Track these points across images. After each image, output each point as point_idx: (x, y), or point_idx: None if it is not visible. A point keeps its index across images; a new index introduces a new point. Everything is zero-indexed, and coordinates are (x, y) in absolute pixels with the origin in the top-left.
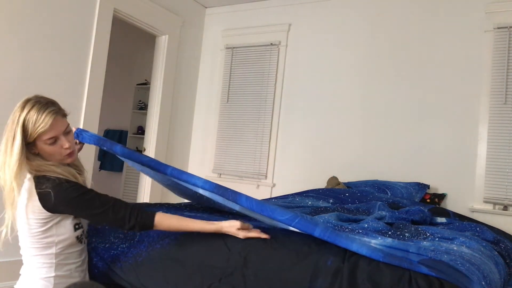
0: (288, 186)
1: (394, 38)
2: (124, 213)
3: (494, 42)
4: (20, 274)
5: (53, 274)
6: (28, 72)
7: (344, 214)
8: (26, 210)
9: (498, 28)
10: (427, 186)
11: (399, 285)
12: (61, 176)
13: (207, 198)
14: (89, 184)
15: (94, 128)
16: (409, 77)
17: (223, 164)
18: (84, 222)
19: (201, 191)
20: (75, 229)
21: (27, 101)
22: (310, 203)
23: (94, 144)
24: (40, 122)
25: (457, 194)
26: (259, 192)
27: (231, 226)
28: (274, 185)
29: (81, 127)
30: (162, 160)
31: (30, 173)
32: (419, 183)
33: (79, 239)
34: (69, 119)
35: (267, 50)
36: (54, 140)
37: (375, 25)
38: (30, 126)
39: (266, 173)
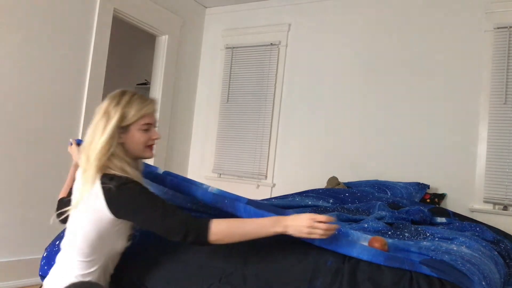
0: (288, 186)
1: (394, 38)
2: (179, 223)
3: (494, 42)
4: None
5: (88, 278)
6: (28, 72)
7: (344, 214)
8: (88, 210)
9: (498, 28)
10: (427, 186)
11: (399, 285)
12: (128, 176)
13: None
14: None
15: None
16: (409, 77)
17: (223, 164)
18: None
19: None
20: (128, 240)
21: (124, 90)
22: (310, 203)
23: None
24: (145, 105)
25: (457, 194)
26: (259, 192)
27: (299, 226)
28: (274, 185)
29: (81, 127)
30: (162, 160)
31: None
32: (419, 183)
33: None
34: (68, 119)
35: (267, 50)
36: (148, 127)
37: (375, 25)
38: (133, 107)
39: (266, 173)
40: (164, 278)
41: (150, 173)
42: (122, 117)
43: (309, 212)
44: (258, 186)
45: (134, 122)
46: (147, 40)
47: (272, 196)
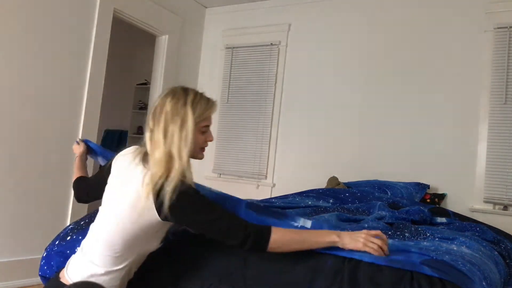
0: (288, 186)
1: (393, 38)
2: (239, 228)
3: (494, 42)
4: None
5: (114, 275)
6: (28, 72)
7: (344, 214)
8: (135, 208)
9: (498, 28)
10: (427, 186)
11: (400, 286)
12: (185, 179)
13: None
14: None
15: (94, 128)
16: (409, 77)
17: (223, 164)
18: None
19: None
20: (161, 242)
21: (185, 87)
22: (310, 203)
23: None
24: (210, 106)
25: (457, 194)
26: (259, 192)
27: (356, 236)
28: (274, 185)
29: (81, 127)
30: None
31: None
32: (419, 183)
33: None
34: (69, 119)
35: (267, 50)
36: (207, 129)
37: (375, 25)
38: (199, 107)
39: (266, 173)
40: (165, 277)
41: None
42: (192, 118)
43: (309, 211)
44: (258, 186)
45: (197, 123)
46: (147, 40)
47: (272, 196)
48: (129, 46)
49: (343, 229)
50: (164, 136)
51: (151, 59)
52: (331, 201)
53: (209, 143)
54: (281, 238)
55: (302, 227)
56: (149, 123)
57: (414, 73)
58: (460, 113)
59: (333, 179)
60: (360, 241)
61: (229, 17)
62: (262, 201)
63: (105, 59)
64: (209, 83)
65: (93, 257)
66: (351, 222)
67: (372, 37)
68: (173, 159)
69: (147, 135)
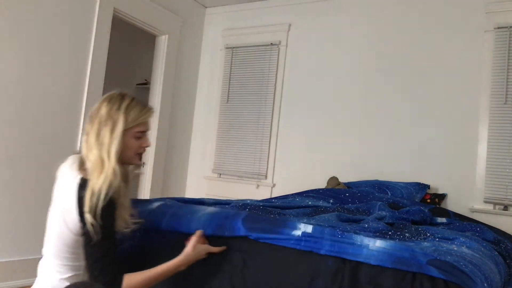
0: (288, 186)
1: (394, 38)
2: (100, 275)
3: (494, 42)
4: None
5: (70, 281)
6: (28, 72)
7: (344, 214)
8: (67, 213)
9: (498, 28)
10: (427, 186)
11: (401, 285)
12: (107, 191)
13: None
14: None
15: None
16: (409, 76)
17: (223, 164)
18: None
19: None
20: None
21: (122, 93)
22: (310, 203)
23: None
24: (144, 112)
25: (457, 194)
26: (259, 192)
27: (198, 254)
28: (274, 185)
29: (80, 127)
30: (162, 160)
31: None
32: (419, 183)
33: None
34: (68, 119)
35: (267, 50)
36: (142, 135)
37: (375, 25)
38: (132, 113)
39: (266, 173)
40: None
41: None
42: (123, 122)
43: (309, 211)
44: (258, 186)
45: (130, 128)
46: (147, 40)
47: (272, 196)
48: (129, 46)
49: (343, 229)
50: (96, 139)
51: (151, 59)
52: (331, 201)
53: (209, 143)
54: (134, 286)
55: (304, 233)
56: (86, 127)
57: (414, 73)
58: (460, 113)
59: (333, 179)
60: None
61: (229, 17)
62: (262, 201)
63: (105, 59)
64: (209, 83)
65: (48, 265)
66: (351, 222)
67: (372, 37)
68: (104, 162)
69: (83, 138)
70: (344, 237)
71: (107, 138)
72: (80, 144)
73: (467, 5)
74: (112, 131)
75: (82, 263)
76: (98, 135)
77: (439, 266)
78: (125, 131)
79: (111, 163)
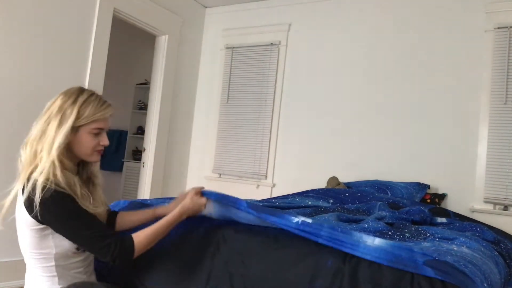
0: (288, 186)
1: (394, 38)
2: (104, 244)
3: (494, 42)
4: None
5: (58, 287)
6: (28, 72)
7: (344, 214)
8: (21, 217)
9: (498, 28)
10: (427, 186)
11: (400, 286)
12: (57, 187)
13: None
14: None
15: None
16: (409, 76)
17: (223, 164)
18: None
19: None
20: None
21: (82, 88)
22: (310, 203)
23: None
24: (102, 109)
25: (457, 194)
26: (259, 192)
27: (196, 204)
28: (274, 185)
29: None
30: (162, 160)
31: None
32: (419, 183)
33: (80, 250)
34: None
35: (267, 50)
36: (99, 132)
37: (375, 24)
38: (88, 109)
39: (266, 173)
40: (164, 277)
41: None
42: (76, 117)
43: (309, 212)
44: (258, 186)
45: (86, 124)
46: (147, 40)
47: (272, 196)
48: (129, 46)
49: (343, 229)
50: (42, 130)
51: (151, 59)
52: (331, 201)
53: (209, 143)
54: (144, 243)
55: (304, 222)
56: (39, 116)
57: (414, 73)
58: (460, 113)
59: (333, 179)
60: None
61: (229, 17)
62: (262, 201)
63: (105, 59)
64: (209, 83)
65: (33, 283)
66: (351, 222)
67: (372, 37)
68: (41, 154)
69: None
70: (342, 230)
71: (52, 131)
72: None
73: (467, 5)
74: (60, 124)
75: (44, 262)
76: (43, 129)
77: (436, 267)
78: (80, 127)
79: (50, 159)
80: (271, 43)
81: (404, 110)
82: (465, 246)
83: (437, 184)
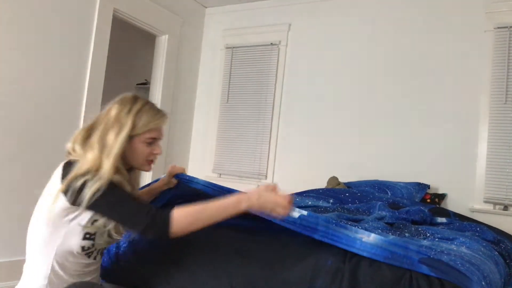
0: (288, 186)
1: (394, 38)
2: (139, 213)
3: (494, 42)
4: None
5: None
6: (28, 72)
7: (344, 214)
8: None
9: (498, 28)
10: (427, 186)
11: (399, 285)
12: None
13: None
14: None
15: None
16: (409, 76)
17: (223, 164)
18: (102, 239)
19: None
20: (84, 238)
21: (136, 96)
22: (310, 203)
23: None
24: (156, 118)
25: (457, 194)
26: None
27: (263, 207)
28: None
29: (80, 126)
30: (162, 160)
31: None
32: (419, 183)
33: (85, 250)
34: (68, 119)
35: (267, 50)
36: (153, 141)
37: (375, 25)
38: (144, 118)
39: (266, 173)
40: (165, 277)
41: None
42: (132, 127)
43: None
44: (258, 186)
45: (141, 133)
46: (147, 40)
47: None
48: (129, 46)
49: (337, 223)
50: (100, 140)
51: (151, 59)
52: (331, 201)
53: (209, 143)
54: (184, 218)
55: (301, 216)
56: (87, 125)
57: (414, 73)
58: (460, 113)
59: (333, 179)
60: (268, 207)
61: (229, 17)
62: None
63: (105, 59)
64: (209, 83)
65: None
66: (351, 222)
67: (372, 36)
68: (102, 163)
69: (81, 134)
70: (339, 225)
71: (111, 140)
72: (73, 144)
73: (467, 5)
74: (118, 134)
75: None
76: (102, 137)
77: (430, 264)
78: (135, 136)
79: (108, 165)
80: (271, 43)
81: (404, 110)
82: (464, 246)
83: (437, 184)
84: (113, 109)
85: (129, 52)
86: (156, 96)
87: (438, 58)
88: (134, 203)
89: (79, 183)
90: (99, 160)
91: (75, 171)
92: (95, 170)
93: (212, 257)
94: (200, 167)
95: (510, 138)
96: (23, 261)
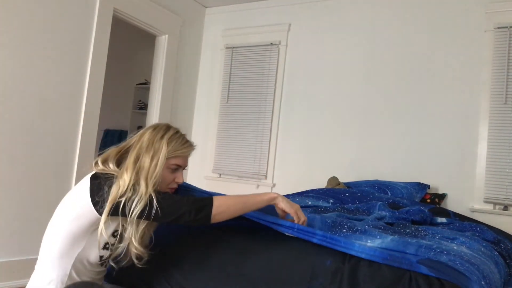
0: (288, 186)
1: (393, 38)
2: (180, 202)
3: (494, 42)
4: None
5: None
6: (28, 72)
7: (344, 214)
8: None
9: (498, 28)
10: (427, 186)
11: (399, 285)
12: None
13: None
14: None
15: (94, 128)
16: (409, 76)
17: (223, 164)
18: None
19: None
20: (104, 247)
21: (169, 125)
22: (310, 203)
23: None
24: (184, 146)
25: (457, 194)
26: (259, 192)
27: (289, 207)
28: (274, 185)
29: (81, 126)
30: None
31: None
32: (419, 183)
33: (102, 259)
34: (68, 119)
35: (267, 50)
36: (177, 169)
37: (375, 24)
38: (173, 144)
39: (266, 173)
40: (165, 278)
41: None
42: (165, 152)
43: (309, 212)
44: (258, 186)
45: (168, 159)
46: (147, 40)
47: None
48: (129, 46)
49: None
50: (134, 162)
51: (151, 59)
52: (331, 201)
53: (209, 143)
54: (223, 203)
55: (299, 226)
56: (123, 145)
57: (414, 73)
58: (460, 113)
59: (333, 179)
60: (294, 207)
61: (229, 17)
62: None
63: (105, 59)
64: (209, 83)
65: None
66: (351, 222)
67: (372, 36)
68: (140, 184)
69: (114, 152)
70: (335, 238)
71: (147, 163)
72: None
73: (467, 5)
74: (153, 158)
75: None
76: (136, 159)
77: (429, 265)
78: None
79: (148, 188)
80: (271, 43)
81: (404, 110)
82: (465, 246)
83: (437, 184)
84: (147, 134)
85: (129, 52)
86: (156, 96)
87: (438, 58)
88: (172, 198)
89: (121, 200)
90: (135, 180)
91: (116, 190)
92: (133, 189)
93: (212, 257)
94: (200, 167)
95: (510, 138)
96: (23, 261)
